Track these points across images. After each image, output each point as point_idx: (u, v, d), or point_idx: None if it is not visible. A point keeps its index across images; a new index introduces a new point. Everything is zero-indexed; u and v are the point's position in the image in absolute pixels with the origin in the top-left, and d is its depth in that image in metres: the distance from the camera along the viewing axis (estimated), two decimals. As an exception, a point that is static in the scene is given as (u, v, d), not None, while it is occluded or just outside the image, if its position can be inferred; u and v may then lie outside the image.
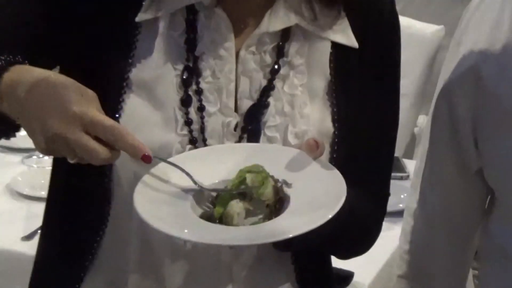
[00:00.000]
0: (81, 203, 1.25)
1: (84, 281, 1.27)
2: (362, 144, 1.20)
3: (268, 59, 1.20)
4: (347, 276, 1.65)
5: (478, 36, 1.29)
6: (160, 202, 1.04)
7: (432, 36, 2.48)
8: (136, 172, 1.14)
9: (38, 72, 1.03)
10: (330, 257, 1.38)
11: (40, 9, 1.16)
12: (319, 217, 0.96)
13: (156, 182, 1.07)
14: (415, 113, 2.35)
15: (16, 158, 2.18)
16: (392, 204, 1.57)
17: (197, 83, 1.18)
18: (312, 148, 1.06)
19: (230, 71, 1.19)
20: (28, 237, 1.87)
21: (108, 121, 0.98)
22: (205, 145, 1.17)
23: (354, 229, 1.23)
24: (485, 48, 1.27)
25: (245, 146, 1.16)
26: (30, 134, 1.01)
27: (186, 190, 1.06)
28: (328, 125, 1.16)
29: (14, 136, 1.16)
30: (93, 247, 1.25)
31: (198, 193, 1.06)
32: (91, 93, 1.00)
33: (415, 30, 2.41)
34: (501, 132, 1.27)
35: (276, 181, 1.04)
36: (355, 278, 1.71)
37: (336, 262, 1.42)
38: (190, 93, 1.17)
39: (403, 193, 1.72)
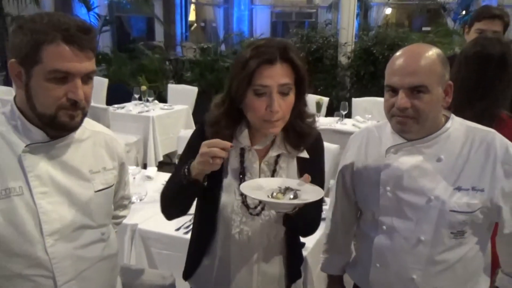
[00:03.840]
0: (207, 216, 1.18)
1: (206, 254, 1.21)
2: None
3: (272, 166, 1.16)
4: (303, 244, 1.58)
5: (354, 149, 1.27)
6: (252, 188, 1.02)
7: (334, 149, 2.41)
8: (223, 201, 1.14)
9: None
10: (299, 237, 1.31)
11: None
12: (311, 199, 0.98)
13: (250, 184, 1.05)
14: (327, 179, 2.31)
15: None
16: (322, 214, 1.55)
17: (244, 178, 1.14)
18: (306, 178, 1.04)
19: (257, 173, 1.15)
20: (177, 230, 1.79)
21: (209, 140, 1.00)
22: (246, 204, 1.15)
23: (314, 222, 1.22)
24: (357, 155, 1.26)
25: (282, 179, 1.11)
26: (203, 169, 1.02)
27: (262, 188, 1.05)
28: None
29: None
30: (211, 237, 1.19)
31: (269, 190, 1.04)
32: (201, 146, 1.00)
33: (326, 147, 2.41)
34: (362, 186, 1.25)
35: (294, 190, 1.04)
36: (306, 245, 1.64)
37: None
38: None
39: (324, 210, 1.71)
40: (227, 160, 1.14)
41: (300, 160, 1.17)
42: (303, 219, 1.12)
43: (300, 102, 1.10)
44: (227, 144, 0.99)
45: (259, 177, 1.14)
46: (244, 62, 1.02)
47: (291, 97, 1.06)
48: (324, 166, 1.23)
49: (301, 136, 1.14)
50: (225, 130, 1.11)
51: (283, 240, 1.21)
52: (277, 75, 1.02)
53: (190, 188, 1.06)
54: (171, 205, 1.17)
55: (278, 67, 1.02)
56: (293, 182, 1.06)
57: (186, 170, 1.05)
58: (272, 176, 1.15)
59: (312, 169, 1.14)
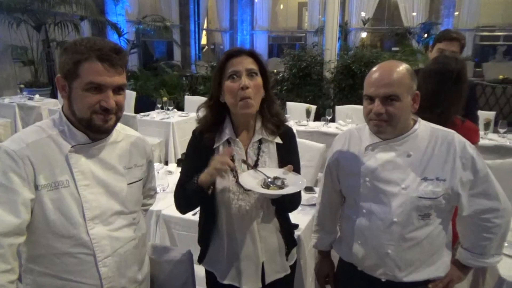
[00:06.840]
0: (209, 206, 1.17)
1: (213, 235, 1.20)
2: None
3: (256, 150, 1.15)
4: (296, 225, 1.58)
5: (338, 147, 1.26)
6: (248, 180, 1.02)
7: (321, 147, 2.35)
8: (220, 190, 1.13)
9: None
10: (289, 218, 1.27)
11: (198, 165, 1.10)
12: (296, 188, 0.99)
13: (247, 175, 1.05)
14: (316, 172, 2.29)
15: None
16: (312, 201, 1.54)
17: (233, 164, 1.08)
18: (289, 168, 1.06)
19: (243, 157, 1.14)
20: (194, 215, 1.74)
21: (218, 155, 1.04)
22: (239, 184, 1.10)
23: (295, 201, 1.19)
24: (341, 151, 1.25)
25: (270, 168, 1.10)
26: (212, 179, 1.04)
27: (256, 179, 1.04)
28: (277, 166, 1.12)
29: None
30: (214, 218, 1.18)
31: (261, 180, 1.04)
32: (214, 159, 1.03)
33: (312, 146, 2.34)
34: (345, 178, 1.24)
35: (281, 178, 1.03)
36: (299, 226, 1.62)
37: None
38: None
39: (314, 197, 1.69)
40: (217, 151, 1.15)
41: (277, 146, 1.17)
42: (287, 199, 1.11)
43: (268, 93, 1.13)
44: (231, 163, 1.03)
45: (246, 160, 1.14)
46: (218, 62, 1.11)
47: (259, 80, 1.09)
48: (298, 149, 1.23)
49: (274, 124, 1.16)
50: (211, 125, 1.14)
51: (275, 212, 1.20)
52: (244, 63, 1.08)
53: (198, 194, 1.08)
54: (185, 205, 1.18)
55: (244, 57, 1.09)
56: (279, 172, 1.06)
57: (196, 180, 1.07)
58: (257, 159, 1.14)
59: (288, 152, 1.17)
